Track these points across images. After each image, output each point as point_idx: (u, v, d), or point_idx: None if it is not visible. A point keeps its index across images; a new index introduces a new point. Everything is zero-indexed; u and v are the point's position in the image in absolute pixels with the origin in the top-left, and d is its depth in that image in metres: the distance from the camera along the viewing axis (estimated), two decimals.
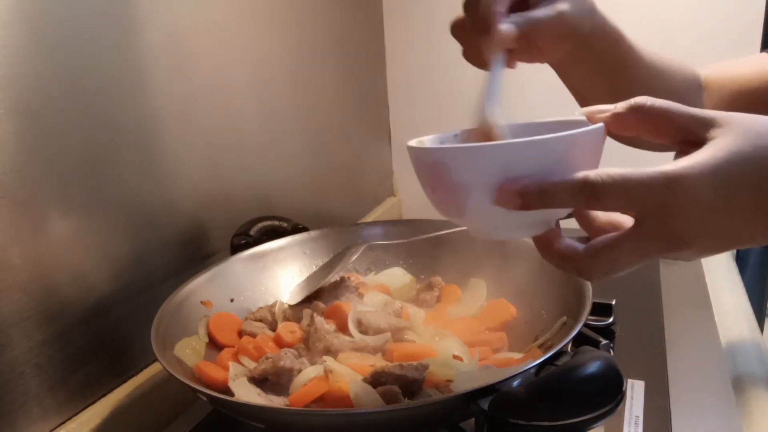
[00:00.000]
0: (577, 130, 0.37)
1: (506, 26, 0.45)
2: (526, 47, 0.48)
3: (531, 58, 0.50)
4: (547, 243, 0.41)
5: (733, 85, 0.60)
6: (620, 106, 0.38)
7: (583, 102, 0.58)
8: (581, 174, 0.35)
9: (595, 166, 0.39)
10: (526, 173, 0.36)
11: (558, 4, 0.47)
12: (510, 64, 0.48)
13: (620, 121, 0.38)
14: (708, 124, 0.35)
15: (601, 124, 0.39)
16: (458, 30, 0.49)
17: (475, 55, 0.48)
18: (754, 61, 0.63)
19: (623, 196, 0.34)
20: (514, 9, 0.46)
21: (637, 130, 0.38)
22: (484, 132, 0.45)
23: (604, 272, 0.38)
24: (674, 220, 0.34)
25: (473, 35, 0.47)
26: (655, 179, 0.33)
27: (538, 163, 0.36)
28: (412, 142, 0.44)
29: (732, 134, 0.34)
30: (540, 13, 0.47)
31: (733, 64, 0.63)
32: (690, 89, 0.60)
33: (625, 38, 0.54)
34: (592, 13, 0.51)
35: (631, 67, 0.55)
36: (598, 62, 0.54)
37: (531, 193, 0.36)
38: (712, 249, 0.36)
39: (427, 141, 0.47)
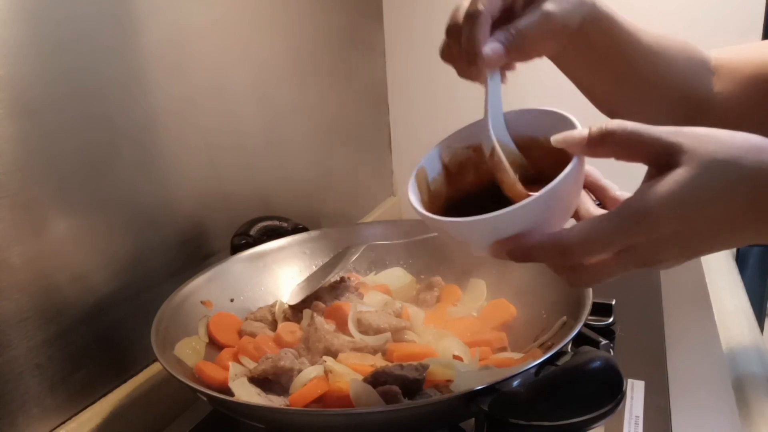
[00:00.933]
0: (554, 182, 0.39)
1: (491, 49, 0.45)
2: (518, 53, 0.48)
3: (526, 59, 0.50)
4: None
5: (746, 69, 0.58)
6: (593, 133, 0.40)
7: (586, 92, 0.57)
8: (556, 237, 0.39)
9: (578, 195, 0.44)
10: (515, 232, 0.40)
11: (543, 4, 0.47)
12: (506, 70, 0.49)
13: (593, 149, 0.40)
14: (675, 152, 0.37)
15: (575, 162, 0.40)
16: (447, 54, 0.49)
17: (470, 74, 0.48)
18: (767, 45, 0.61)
19: (593, 250, 0.39)
20: (501, 18, 0.46)
21: (609, 155, 0.40)
22: (487, 156, 0.47)
23: (585, 283, 0.42)
24: (643, 250, 0.39)
25: (462, 62, 0.47)
26: (620, 228, 0.37)
27: (523, 224, 0.40)
28: (412, 195, 0.46)
29: (695, 164, 0.36)
30: (525, 21, 0.46)
31: (746, 47, 0.61)
32: (696, 73, 0.58)
33: (619, 24, 0.53)
34: (581, 4, 0.50)
35: (629, 54, 0.54)
36: (594, 53, 0.53)
37: (517, 253, 0.40)
38: (683, 259, 0.41)
39: (425, 162, 0.48)
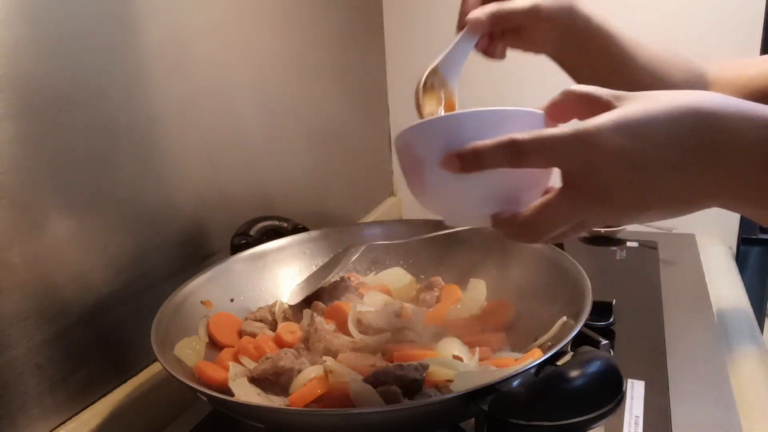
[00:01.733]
0: (513, 107, 0.41)
1: (474, 14, 0.54)
2: (513, 35, 0.56)
3: (522, 46, 0.57)
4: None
5: (740, 81, 0.60)
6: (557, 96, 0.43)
7: None
8: (509, 135, 0.39)
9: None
10: (466, 142, 0.40)
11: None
12: (497, 51, 0.56)
13: (556, 107, 0.42)
14: (623, 96, 0.39)
15: (540, 112, 0.43)
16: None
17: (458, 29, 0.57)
18: (764, 60, 0.63)
19: (544, 152, 0.38)
20: None
21: (571, 113, 0.42)
22: (437, 96, 0.52)
23: (539, 233, 0.41)
24: (592, 172, 0.37)
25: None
26: (571, 135, 0.37)
27: (476, 132, 0.40)
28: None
29: (643, 98, 0.38)
30: (515, 3, 0.54)
31: (743, 63, 0.63)
32: (692, 85, 0.60)
33: (613, 36, 0.56)
34: (569, 8, 0.55)
35: (625, 64, 0.57)
36: (590, 59, 0.57)
37: (467, 155, 0.40)
38: (636, 206, 0.38)
39: None
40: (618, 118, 0.37)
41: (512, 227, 0.42)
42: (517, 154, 0.38)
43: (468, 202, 0.44)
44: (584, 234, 0.41)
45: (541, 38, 0.56)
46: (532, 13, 0.54)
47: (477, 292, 0.71)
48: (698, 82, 0.61)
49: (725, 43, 1.08)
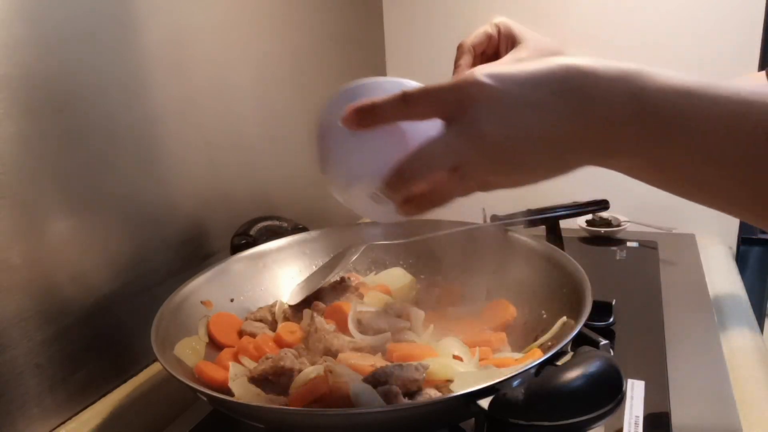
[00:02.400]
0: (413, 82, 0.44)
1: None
2: None
3: None
4: None
5: None
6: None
7: None
8: (399, 93, 0.42)
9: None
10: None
11: (518, 51, 0.56)
12: None
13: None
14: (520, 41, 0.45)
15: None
16: None
17: None
18: (752, 80, 0.63)
19: (428, 99, 0.41)
20: (491, 55, 0.59)
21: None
22: None
23: (420, 171, 0.42)
24: (466, 113, 0.39)
25: None
26: (450, 83, 0.40)
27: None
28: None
29: (533, 51, 0.43)
30: (500, 61, 0.56)
31: (742, 79, 0.64)
32: None
33: None
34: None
35: None
36: None
37: (364, 108, 0.43)
38: (508, 150, 0.39)
39: None
40: (494, 68, 0.39)
41: (395, 178, 0.43)
42: (407, 102, 0.41)
43: (366, 165, 0.46)
44: (475, 189, 0.43)
45: None
46: None
47: (477, 292, 0.71)
48: None
49: (725, 44, 1.08)
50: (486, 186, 0.45)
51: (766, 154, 0.35)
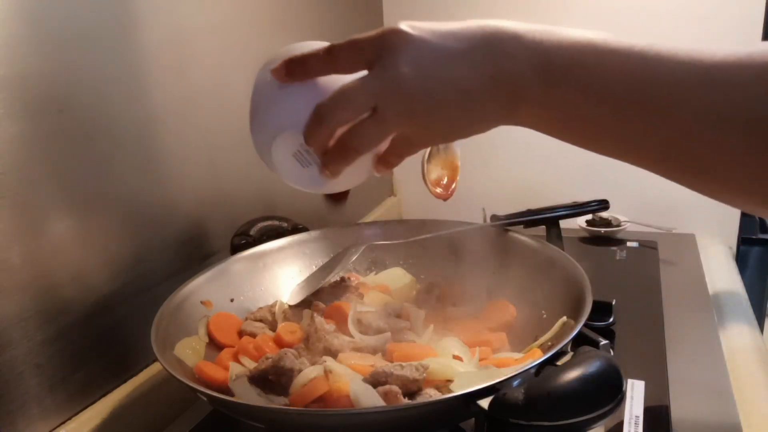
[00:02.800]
0: None
1: None
2: None
3: None
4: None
5: None
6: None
7: None
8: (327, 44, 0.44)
9: None
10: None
11: None
12: None
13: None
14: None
15: None
16: None
17: None
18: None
19: (352, 49, 0.43)
20: None
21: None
22: None
23: (336, 111, 0.43)
24: (386, 56, 0.42)
25: None
26: (375, 33, 0.43)
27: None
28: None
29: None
30: None
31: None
32: None
33: None
34: None
35: None
36: None
37: (293, 61, 0.45)
38: (422, 92, 0.41)
39: None
40: (418, 22, 0.43)
41: (313, 121, 0.44)
42: (331, 53, 0.43)
43: (290, 115, 0.47)
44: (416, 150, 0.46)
45: None
46: None
47: (477, 292, 0.71)
48: None
49: (725, 42, 1.08)
50: (408, 139, 0.45)
51: (658, 96, 0.37)
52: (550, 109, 0.41)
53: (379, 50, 0.42)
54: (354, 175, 0.51)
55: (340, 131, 0.45)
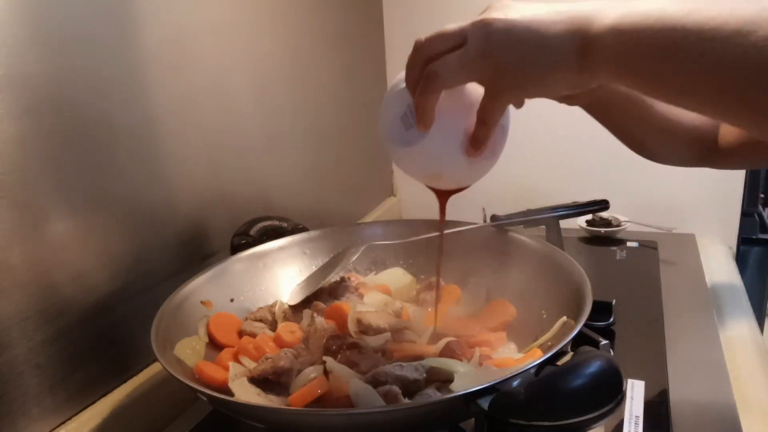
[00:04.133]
0: None
1: None
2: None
3: (560, 101, 0.59)
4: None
5: None
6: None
7: (614, 134, 0.66)
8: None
9: None
10: None
11: None
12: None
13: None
14: None
15: None
16: None
17: None
18: None
19: (438, 37, 0.46)
20: None
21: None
22: None
23: (434, 39, 0.47)
24: (481, 21, 0.45)
25: None
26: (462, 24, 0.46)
27: None
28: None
29: None
30: None
31: None
32: (705, 121, 0.64)
33: (637, 95, 0.60)
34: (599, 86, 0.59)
35: (647, 115, 0.62)
36: (617, 114, 0.63)
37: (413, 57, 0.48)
38: (511, 41, 0.44)
39: None
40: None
41: (411, 54, 0.48)
42: (424, 42, 0.48)
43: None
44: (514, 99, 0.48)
45: (571, 99, 0.60)
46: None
47: (477, 292, 0.71)
48: (709, 120, 0.64)
49: None
50: (488, 94, 0.47)
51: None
52: (619, 64, 0.43)
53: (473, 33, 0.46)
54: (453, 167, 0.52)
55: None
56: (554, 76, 0.45)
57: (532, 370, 0.45)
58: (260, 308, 0.69)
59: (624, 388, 0.41)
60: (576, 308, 0.55)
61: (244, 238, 0.74)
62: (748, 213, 1.17)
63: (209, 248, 0.77)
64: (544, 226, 0.87)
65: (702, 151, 0.65)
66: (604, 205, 0.92)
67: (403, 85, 0.50)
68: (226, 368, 0.57)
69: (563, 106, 0.60)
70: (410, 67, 0.49)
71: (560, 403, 0.40)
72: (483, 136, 0.49)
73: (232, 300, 0.69)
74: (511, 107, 0.50)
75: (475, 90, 0.50)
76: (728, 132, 0.64)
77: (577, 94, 0.59)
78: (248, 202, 0.84)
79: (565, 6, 0.44)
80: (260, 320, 0.67)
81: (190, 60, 0.72)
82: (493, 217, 0.85)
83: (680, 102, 0.43)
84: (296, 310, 0.68)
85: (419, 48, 0.48)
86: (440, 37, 0.47)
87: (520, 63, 0.44)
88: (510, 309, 0.67)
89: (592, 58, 0.43)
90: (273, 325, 0.67)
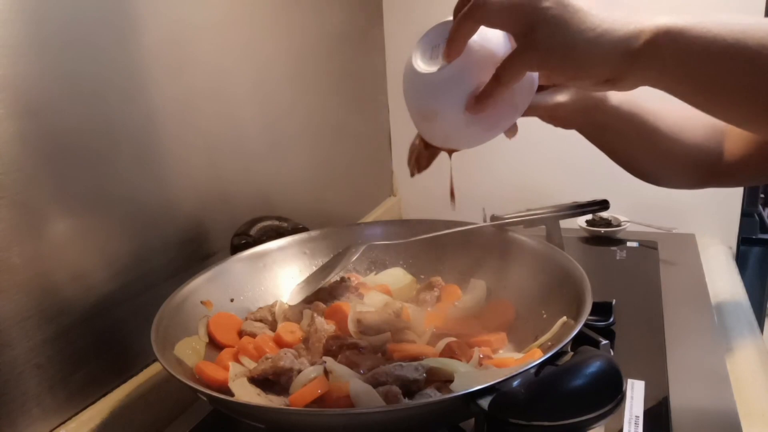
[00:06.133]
0: None
1: None
2: (546, 116, 0.60)
3: (545, 120, 0.61)
4: None
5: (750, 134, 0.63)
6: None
7: (612, 158, 0.66)
8: None
9: None
10: None
11: (558, 95, 0.58)
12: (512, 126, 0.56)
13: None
14: None
15: None
16: None
17: None
18: None
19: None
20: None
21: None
22: None
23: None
24: None
25: None
26: None
27: None
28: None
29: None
30: (541, 96, 0.57)
31: None
32: (710, 140, 0.64)
33: (640, 115, 0.61)
34: (596, 105, 0.59)
35: (649, 135, 0.62)
36: (617, 136, 0.62)
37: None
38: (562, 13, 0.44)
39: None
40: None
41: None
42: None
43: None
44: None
45: (566, 122, 0.61)
46: (557, 108, 0.58)
47: (477, 292, 0.71)
48: (716, 137, 0.64)
49: None
50: (532, 33, 0.45)
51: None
52: (666, 66, 0.44)
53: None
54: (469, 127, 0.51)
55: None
56: (591, 57, 0.44)
57: (532, 370, 0.45)
58: (260, 308, 0.69)
59: (624, 388, 0.41)
60: (576, 308, 0.55)
61: (244, 238, 0.74)
62: (748, 213, 1.17)
63: (209, 248, 0.77)
64: (544, 226, 0.87)
65: (707, 171, 0.65)
66: (604, 205, 0.92)
67: (447, 18, 0.50)
68: (226, 368, 0.57)
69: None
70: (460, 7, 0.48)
71: (560, 403, 0.40)
72: (491, 92, 0.48)
73: (232, 300, 0.69)
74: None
75: (508, 51, 0.49)
76: (734, 148, 0.63)
77: (572, 117, 0.60)
78: (248, 202, 0.84)
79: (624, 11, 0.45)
80: (260, 320, 0.67)
81: (190, 60, 0.72)
82: (493, 217, 0.85)
83: (726, 108, 0.44)
84: (296, 310, 0.68)
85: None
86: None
87: (565, 27, 0.44)
88: (510, 309, 0.67)
89: (638, 53, 0.44)
90: (273, 325, 0.67)
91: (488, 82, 0.48)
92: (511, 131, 0.55)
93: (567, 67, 0.45)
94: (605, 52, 0.44)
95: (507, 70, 0.47)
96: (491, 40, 0.49)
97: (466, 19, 0.46)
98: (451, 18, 0.50)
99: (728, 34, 0.41)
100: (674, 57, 0.43)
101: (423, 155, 0.60)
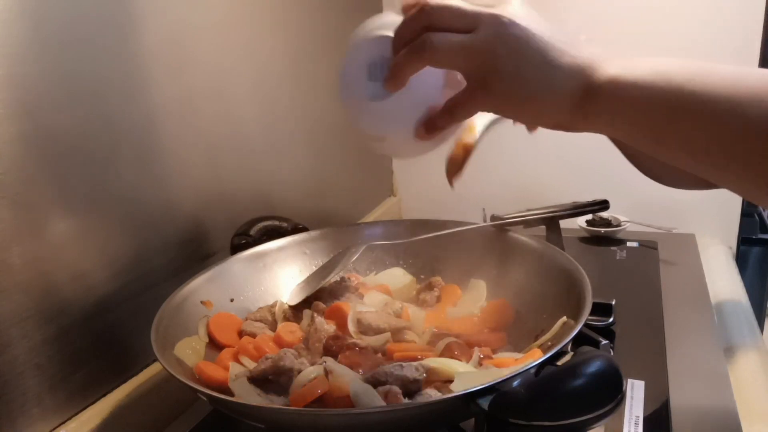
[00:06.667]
0: None
1: None
2: None
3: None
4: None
5: None
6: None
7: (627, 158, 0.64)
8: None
9: None
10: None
11: None
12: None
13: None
14: None
15: None
16: None
17: None
18: None
19: (450, 11, 0.44)
20: None
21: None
22: None
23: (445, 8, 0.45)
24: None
25: None
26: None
27: None
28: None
29: None
30: None
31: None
32: None
33: None
34: None
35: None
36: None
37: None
38: (511, 50, 0.43)
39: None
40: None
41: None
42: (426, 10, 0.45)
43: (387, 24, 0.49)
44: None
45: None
46: None
47: (477, 292, 0.71)
48: None
49: (724, 47, 1.08)
50: (484, 77, 0.44)
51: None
52: (614, 116, 0.42)
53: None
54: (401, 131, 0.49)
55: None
56: (542, 106, 0.44)
57: (532, 370, 0.45)
58: (260, 308, 0.69)
59: (624, 388, 0.41)
60: (576, 308, 0.55)
61: (244, 238, 0.74)
62: (748, 213, 1.17)
63: (209, 248, 0.77)
64: (544, 226, 0.87)
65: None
66: (604, 205, 0.92)
67: (386, 33, 0.47)
68: (226, 368, 0.57)
69: None
70: (406, 25, 0.46)
71: (560, 403, 0.40)
72: (441, 125, 0.47)
73: (232, 300, 0.69)
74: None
75: (455, 77, 0.47)
76: None
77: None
78: (248, 202, 0.84)
79: (579, 42, 0.43)
80: (260, 320, 0.67)
81: (190, 60, 0.72)
82: (493, 217, 0.85)
83: (676, 159, 0.42)
84: (296, 310, 0.68)
85: (426, 12, 0.44)
86: (452, 12, 0.44)
87: (517, 78, 0.43)
88: (510, 309, 0.67)
89: (588, 103, 0.42)
90: (273, 325, 0.67)
91: (440, 114, 0.47)
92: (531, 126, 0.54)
93: (520, 115, 0.45)
94: (557, 104, 0.43)
95: (460, 108, 0.46)
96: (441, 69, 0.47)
97: (413, 58, 0.45)
98: (385, 26, 0.48)
99: (677, 88, 0.39)
100: (620, 111, 0.42)
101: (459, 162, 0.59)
